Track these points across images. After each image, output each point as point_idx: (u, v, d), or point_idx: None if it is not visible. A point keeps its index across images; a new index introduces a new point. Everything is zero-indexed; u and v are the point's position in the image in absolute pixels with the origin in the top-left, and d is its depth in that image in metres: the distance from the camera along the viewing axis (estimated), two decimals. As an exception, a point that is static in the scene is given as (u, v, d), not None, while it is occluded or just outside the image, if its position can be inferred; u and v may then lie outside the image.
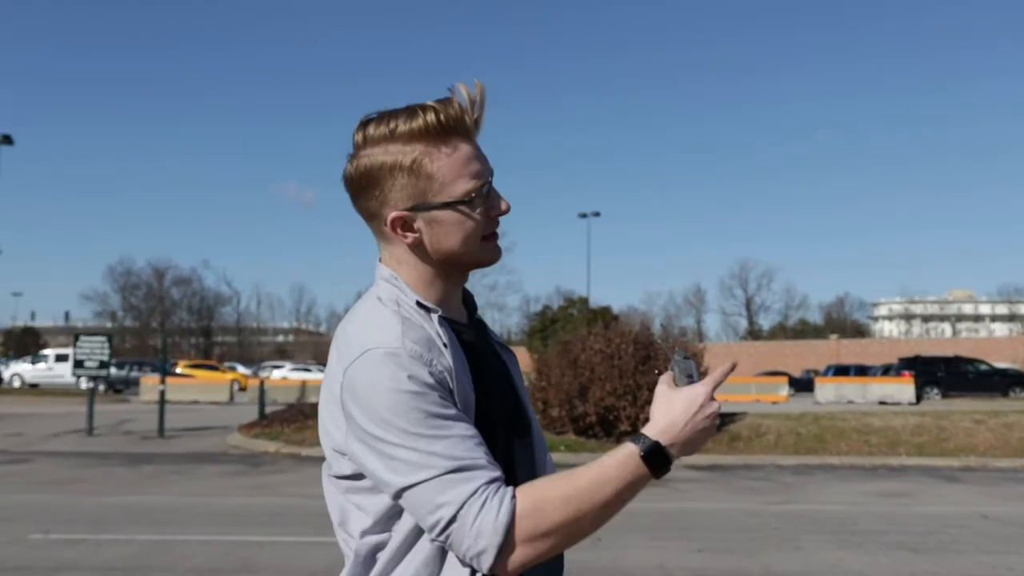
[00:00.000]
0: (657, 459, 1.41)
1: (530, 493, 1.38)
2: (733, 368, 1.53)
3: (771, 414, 17.93)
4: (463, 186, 1.49)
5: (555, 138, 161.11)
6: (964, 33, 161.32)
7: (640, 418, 15.35)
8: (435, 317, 1.49)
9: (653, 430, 1.43)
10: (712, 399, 1.46)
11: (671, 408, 1.45)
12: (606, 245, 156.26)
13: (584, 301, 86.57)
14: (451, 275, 1.56)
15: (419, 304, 1.49)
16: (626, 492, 1.40)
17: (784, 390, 32.23)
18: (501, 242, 1.59)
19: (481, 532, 1.35)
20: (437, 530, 1.37)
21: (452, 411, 1.40)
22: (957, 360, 38.87)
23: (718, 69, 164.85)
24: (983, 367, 38.57)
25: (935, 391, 34.78)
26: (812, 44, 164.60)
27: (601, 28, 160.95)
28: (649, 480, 1.41)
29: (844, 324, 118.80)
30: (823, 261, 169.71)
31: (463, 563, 1.40)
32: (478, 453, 1.39)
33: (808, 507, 10.81)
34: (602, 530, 5.45)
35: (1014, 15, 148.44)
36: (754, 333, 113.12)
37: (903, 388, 30.86)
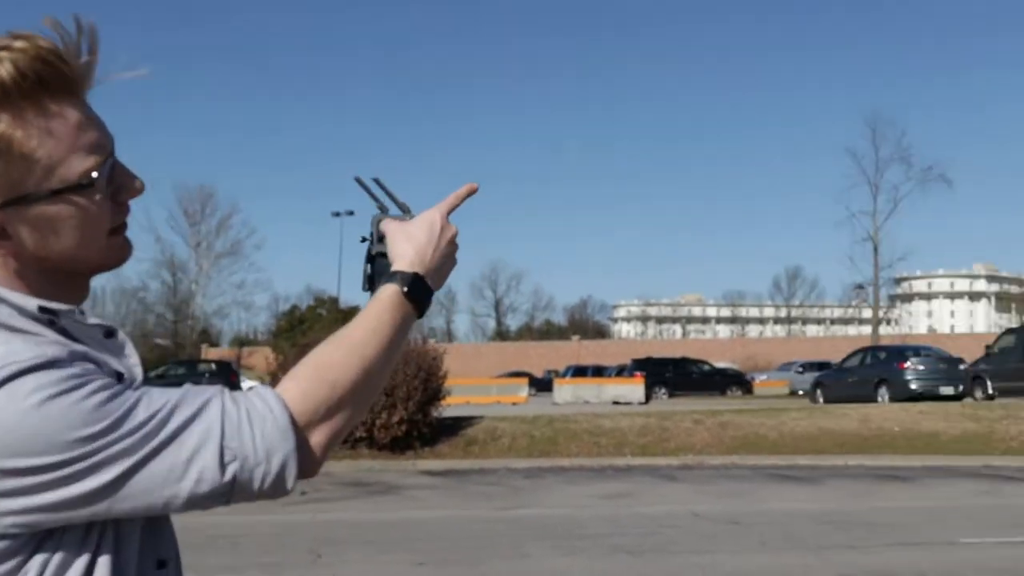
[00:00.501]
0: (420, 291, 1.24)
1: (298, 371, 1.13)
2: (472, 191, 1.35)
3: (507, 417, 18.20)
4: (78, 165, 1.05)
5: (313, 134, 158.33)
6: (788, 40, 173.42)
7: (376, 424, 15.10)
8: (65, 320, 1.07)
9: (405, 263, 1.24)
10: (448, 223, 1.31)
11: (413, 236, 1.27)
12: (359, 245, 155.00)
13: (334, 301, 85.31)
14: (66, 288, 1.12)
15: (42, 309, 1.05)
16: (398, 337, 1.20)
17: (524, 391, 33.03)
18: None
19: (270, 447, 1.04)
20: (209, 484, 1.01)
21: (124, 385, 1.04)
22: (684, 361, 41.48)
23: (482, 70, 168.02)
24: (706, 367, 41.37)
25: (663, 391, 36.86)
26: (554, 54, 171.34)
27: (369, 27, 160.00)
28: (414, 320, 1.23)
29: (586, 325, 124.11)
30: (569, 264, 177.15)
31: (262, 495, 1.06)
32: (183, 389, 1.06)
33: (537, 512, 10.96)
34: (324, 545, 5.06)
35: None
36: (502, 334, 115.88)
37: (634, 388, 32.42)
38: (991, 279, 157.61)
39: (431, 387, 15.90)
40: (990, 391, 25.05)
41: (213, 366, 39.34)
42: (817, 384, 28.41)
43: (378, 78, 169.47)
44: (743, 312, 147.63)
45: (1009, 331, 28.62)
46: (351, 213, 71.93)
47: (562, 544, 8.85)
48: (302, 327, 79.42)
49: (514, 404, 29.45)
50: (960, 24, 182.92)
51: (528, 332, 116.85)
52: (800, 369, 46.32)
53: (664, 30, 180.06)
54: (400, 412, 15.16)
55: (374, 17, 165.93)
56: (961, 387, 24.29)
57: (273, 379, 16.27)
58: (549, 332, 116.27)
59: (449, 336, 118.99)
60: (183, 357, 66.93)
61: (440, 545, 8.80)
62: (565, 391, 32.91)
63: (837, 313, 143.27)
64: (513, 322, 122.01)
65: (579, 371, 52.92)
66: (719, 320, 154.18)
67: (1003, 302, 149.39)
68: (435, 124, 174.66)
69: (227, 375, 37.79)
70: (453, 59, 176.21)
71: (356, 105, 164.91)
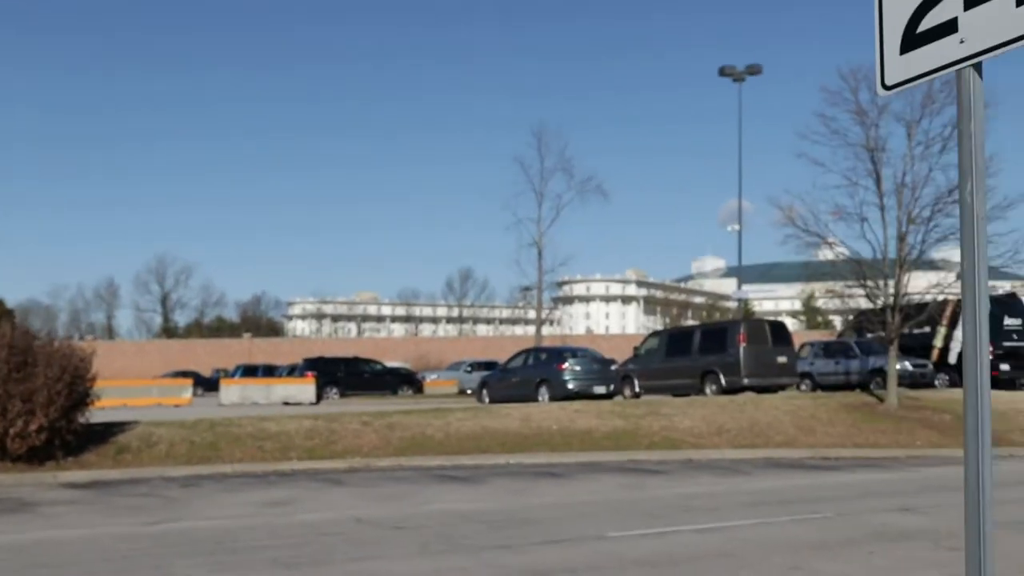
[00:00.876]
0: None
1: None
2: None
3: (166, 422, 17.08)
4: None
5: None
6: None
7: (10, 433, 13.56)
8: None
9: None
10: None
11: None
12: (6, 232, 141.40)
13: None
14: None
15: None
16: None
17: (187, 392, 31.37)
18: None
19: None
20: None
21: None
22: (356, 360, 41.33)
23: (140, 64, 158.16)
24: (378, 367, 41.49)
25: (334, 391, 36.49)
26: (225, 49, 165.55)
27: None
28: None
29: (260, 322, 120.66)
30: (242, 259, 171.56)
31: None
32: None
33: (191, 524, 10.28)
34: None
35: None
36: (169, 330, 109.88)
37: (304, 389, 31.83)
38: (641, 284, 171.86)
39: (77, 390, 14.53)
40: (637, 389, 27.12)
41: None
42: (483, 384, 29.29)
43: (17, 64, 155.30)
44: (417, 311, 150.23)
45: (653, 334, 31.18)
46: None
47: (212, 560, 8.31)
48: (-69, 321, 70.67)
49: (176, 406, 27.87)
50: (616, 47, 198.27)
51: (197, 329, 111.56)
52: (468, 368, 47.75)
53: (339, 29, 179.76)
54: (40, 419, 13.71)
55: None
56: (612, 386, 26.04)
57: None
58: (220, 329, 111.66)
59: (110, 332, 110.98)
60: None
61: (72, 571, 7.96)
62: (232, 392, 31.65)
63: (506, 314, 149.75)
64: (181, 318, 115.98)
65: (249, 371, 51.28)
66: (394, 319, 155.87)
67: (650, 305, 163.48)
68: (92, 112, 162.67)
69: None
70: (104, 44, 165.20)
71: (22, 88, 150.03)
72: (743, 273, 47.34)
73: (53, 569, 8.03)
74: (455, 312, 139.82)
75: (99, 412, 15.93)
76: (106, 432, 15.68)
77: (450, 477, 14.27)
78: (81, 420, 14.96)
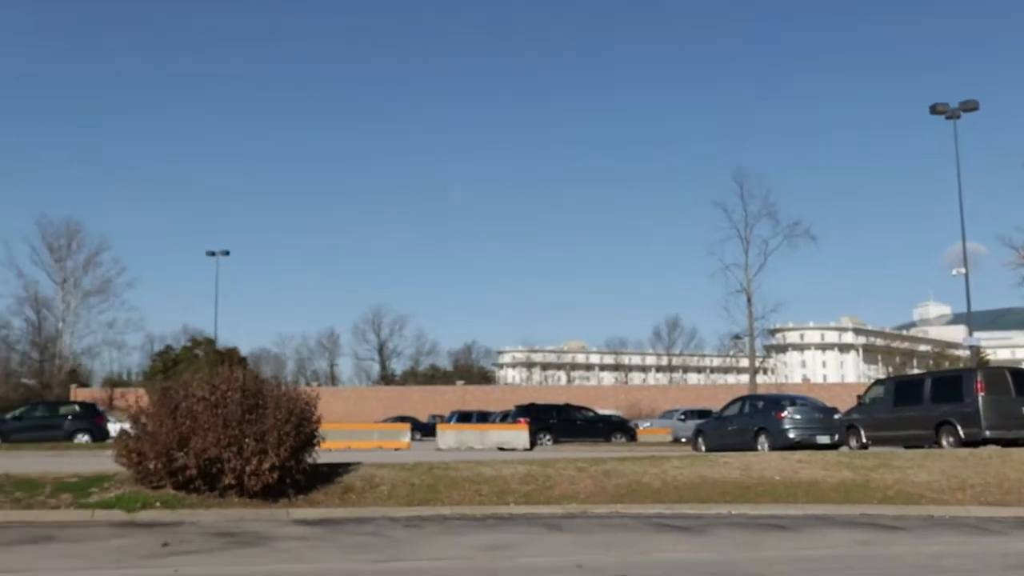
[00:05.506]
0: None
1: None
2: None
3: (387, 464, 17.51)
4: None
5: (185, 171, 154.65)
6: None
7: (246, 471, 14.26)
8: None
9: None
10: None
11: None
12: (238, 285, 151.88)
13: (211, 342, 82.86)
14: None
15: None
16: None
17: (406, 436, 32.26)
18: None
19: None
20: None
21: None
22: (567, 407, 41.33)
23: (366, 109, 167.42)
24: (590, 414, 41.31)
25: (547, 437, 36.59)
26: (440, 97, 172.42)
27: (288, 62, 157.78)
28: None
29: (471, 370, 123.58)
30: (453, 309, 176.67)
31: None
32: None
33: (413, 564, 10.37)
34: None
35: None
36: (386, 378, 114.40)
37: (518, 434, 32.07)
38: (858, 332, 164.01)
39: (304, 432, 15.12)
40: (864, 440, 25.60)
41: (76, 407, 37.10)
42: (698, 432, 28.56)
43: (251, 118, 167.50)
44: (625, 360, 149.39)
45: (879, 382, 29.43)
46: (227, 253, 70.17)
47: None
48: (177, 368, 76.62)
49: (396, 450, 28.69)
50: (820, 88, 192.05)
51: (412, 377, 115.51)
52: (682, 417, 46.84)
53: (557, 80, 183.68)
54: (272, 458, 14.34)
55: (248, 56, 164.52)
56: (837, 436, 24.71)
57: (134, 421, 15.27)
58: (434, 377, 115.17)
59: (332, 379, 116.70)
60: (49, 397, 63.70)
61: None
62: (448, 437, 32.29)
63: (716, 362, 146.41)
64: (398, 366, 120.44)
65: (463, 417, 52.47)
66: (603, 367, 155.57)
67: (870, 354, 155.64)
68: (315, 165, 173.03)
69: (92, 417, 35.72)
70: (339, 98, 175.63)
71: (225, 144, 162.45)
72: (972, 320, 44.24)
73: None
74: (664, 360, 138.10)
75: (324, 453, 16.52)
76: (331, 472, 16.22)
77: (670, 526, 13.80)
78: (308, 460, 15.54)
